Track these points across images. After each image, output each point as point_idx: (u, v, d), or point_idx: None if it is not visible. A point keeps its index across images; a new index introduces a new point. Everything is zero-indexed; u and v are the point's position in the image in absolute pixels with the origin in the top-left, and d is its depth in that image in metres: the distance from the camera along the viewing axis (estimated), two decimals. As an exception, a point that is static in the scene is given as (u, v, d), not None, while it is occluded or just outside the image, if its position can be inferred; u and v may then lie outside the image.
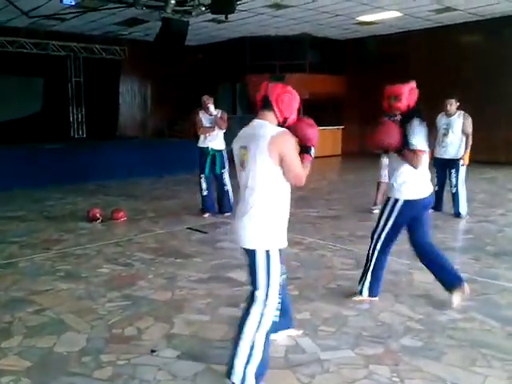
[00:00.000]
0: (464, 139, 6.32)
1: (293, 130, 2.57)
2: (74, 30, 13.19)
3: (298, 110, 2.61)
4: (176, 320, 3.37)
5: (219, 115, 6.38)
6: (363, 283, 3.66)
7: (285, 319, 2.96)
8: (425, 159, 3.39)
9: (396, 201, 3.43)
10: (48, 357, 2.89)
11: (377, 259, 3.59)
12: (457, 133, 6.30)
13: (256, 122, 2.52)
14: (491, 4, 10.77)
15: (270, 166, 2.41)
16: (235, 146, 2.57)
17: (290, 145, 2.41)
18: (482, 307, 3.50)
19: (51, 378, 2.65)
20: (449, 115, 6.32)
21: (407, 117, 3.37)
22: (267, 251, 2.47)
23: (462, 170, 6.38)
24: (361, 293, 3.68)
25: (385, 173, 6.72)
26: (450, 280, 3.54)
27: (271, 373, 2.68)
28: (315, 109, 13.52)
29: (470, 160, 6.48)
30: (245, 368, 2.42)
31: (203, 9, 9.62)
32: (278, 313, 2.65)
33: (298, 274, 4.24)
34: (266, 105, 2.49)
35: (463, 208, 6.42)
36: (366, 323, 3.32)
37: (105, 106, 14.03)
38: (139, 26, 12.80)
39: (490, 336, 3.12)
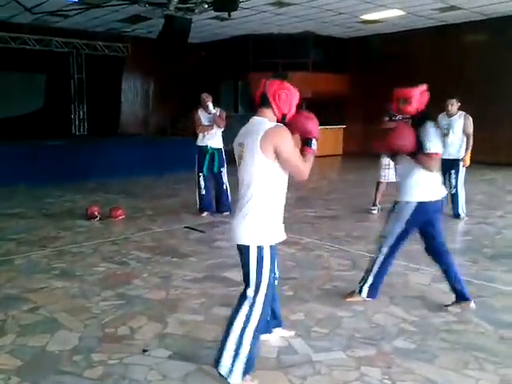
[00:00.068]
0: (465, 140, 6.29)
1: (292, 124, 2.57)
2: (77, 27, 13.21)
3: (300, 107, 2.61)
4: (169, 319, 3.36)
5: (218, 113, 6.36)
6: (364, 283, 3.64)
7: (276, 320, 2.97)
8: (438, 162, 3.37)
9: (407, 203, 3.38)
10: (40, 355, 2.89)
11: (382, 263, 3.56)
12: (457, 133, 6.26)
13: (254, 119, 2.53)
14: (495, 3, 10.72)
15: (264, 162, 2.41)
16: (235, 143, 2.58)
17: (285, 138, 2.40)
18: (477, 310, 3.48)
19: (41, 376, 2.65)
20: (450, 115, 6.28)
21: (420, 120, 3.33)
22: (259, 247, 2.48)
23: (462, 171, 6.35)
24: (360, 292, 3.65)
25: (384, 173, 6.72)
26: (461, 294, 3.52)
27: (263, 373, 2.69)
28: (317, 108, 13.44)
29: (471, 161, 6.45)
30: (233, 361, 2.48)
31: (206, 6, 9.61)
32: (268, 311, 2.65)
33: (293, 275, 4.22)
34: (264, 102, 2.50)
35: (462, 209, 6.39)
36: (359, 325, 3.30)
37: (107, 103, 14.04)
38: (142, 23, 12.81)
39: (483, 339, 3.10)
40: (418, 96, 3.33)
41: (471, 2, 10.65)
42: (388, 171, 6.68)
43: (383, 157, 6.63)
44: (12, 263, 4.60)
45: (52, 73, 13.44)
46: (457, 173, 6.32)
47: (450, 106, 6.22)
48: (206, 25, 12.78)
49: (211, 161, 6.48)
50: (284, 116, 2.52)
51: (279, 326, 3.08)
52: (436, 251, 3.52)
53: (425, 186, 3.36)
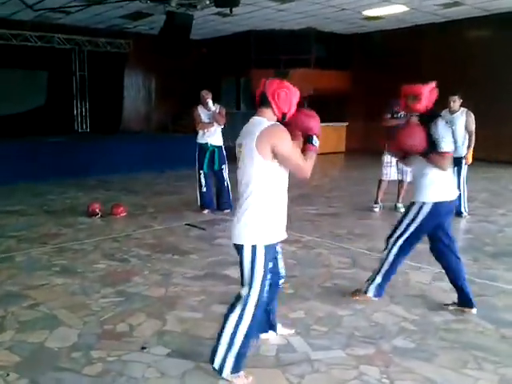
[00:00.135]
0: (467, 137, 6.25)
1: (293, 122, 2.55)
2: (78, 24, 13.18)
3: (301, 105, 2.58)
4: (168, 317, 3.36)
5: (217, 110, 6.33)
6: (371, 283, 3.60)
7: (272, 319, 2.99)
8: (451, 160, 3.32)
9: (423, 204, 3.31)
10: (38, 352, 2.89)
11: (392, 263, 3.50)
12: (460, 130, 6.22)
13: (254, 118, 2.52)
14: (498, -1, 10.65)
15: (261, 162, 2.40)
16: (236, 143, 2.57)
17: (282, 137, 2.38)
18: (478, 309, 3.45)
19: (40, 373, 2.65)
20: (452, 112, 6.24)
21: (429, 118, 3.27)
22: (253, 246, 2.47)
23: (464, 168, 6.30)
24: (366, 292, 3.62)
25: (386, 171, 6.70)
26: (465, 299, 3.48)
27: (261, 371, 2.69)
28: (319, 105, 13.43)
29: (473, 158, 6.42)
30: (224, 358, 2.51)
31: (208, 2, 9.58)
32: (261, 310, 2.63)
33: (294, 273, 4.21)
34: (264, 101, 2.49)
35: (464, 207, 6.36)
36: (359, 323, 3.29)
37: (109, 99, 14.02)
38: (144, 19, 12.77)
39: (483, 338, 3.09)
40: (428, 93, 3.27)
41: (474, -3, 10.60)
42: (390, 169, 6.67)
43: (385, 154, 6.61)
44: (13, 260, 4.61)
45: (54, 70, 13.44)
46: (459, 171, 6.27)
47: (452, 103, 6.17)
48: (207, 21, 12.74)
49: (211, 158, 6.46)
50: (284, 115, 2.51)
51: (273, 328, 3.06)
52: (440, 252, 3.47)
53: (440, 186, 3.30)
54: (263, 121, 2.45)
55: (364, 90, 14.71)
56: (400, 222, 3.46)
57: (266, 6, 11.58)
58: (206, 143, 6.44)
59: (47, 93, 13.44)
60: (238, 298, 2.55)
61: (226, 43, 15.37)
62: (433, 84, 3.33)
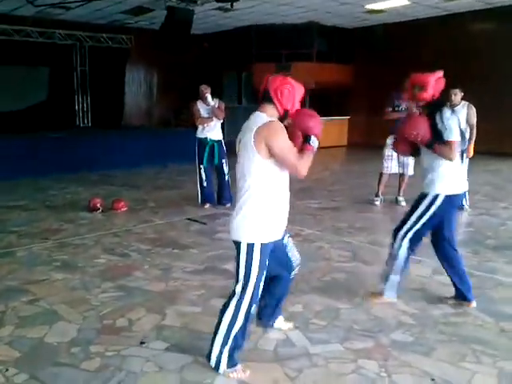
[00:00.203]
0: (468, 130, 6.22)
1: (294, 122, 2.54)
2: (80, 19, 13.18)
3: (303, 101, 2.57)
4: (168, 311, 3.37)
5: (217, 105, 6.32)
6: (387, 283, 3.47)
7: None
8: (458, 149, 3.24)
9: (436, 196, 3.25)
10: (38, 347, 2.90)
11: (406, 258, 3.40)
12: (461, 124, 6.17)
13: (254, 114, 2.50)
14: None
15: (257, 158, 2.38)
16: (237, 139, 2.56)
17: (276, 133, 2.36)
18: (477, 302, 3.44)
19: (39, 368, 2.67)
20: (453, 105, 6.20)
21: (435, 107, 3.22)
22: (250, 244, 2.46)
23: (466, 162, 6.27)
24: (384, 294, 3.49)
25: (387, 164, 6.68)
26: (461, 293, 3.45)
27: (259, 366, 2.69)
28: (321, 99, 13.44)
29: (475, 151, 6.39)
30: (220, 354, 2.54)
31: (208, -3, 9.56)
32: (254, 306, 2.63)
33: (293, 266, 4.21)
34: (266, 97, 2.47)
35: (465, 200, 6.34)
36: (358, 317, 3.29)
37: (110, 94, 13.99)
38: (145, 14, 12.75)
39: (482, 331, 3.08)
40: (434, 83, 3.21)
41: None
42: (391, 162, 6.65)
43: (386, 147, 6.59)
44: (14, 255, 4.63)
45: (55, 65, 13.44)
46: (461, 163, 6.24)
47: (453, 96, 6.13)
48: (208, 16, 12.70)
49: (211, 153, 6.45)
50: (286, 112, 2.48)
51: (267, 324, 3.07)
52: (440, 247, 3.45)
53: (453, 179, 3.26)
54: (263, 116, 2.43)
55: (366, 84, 14.66)
56: (409, 215, 3.38)
57: (266, 1, 11.53)
58: (206, 138, 6.43)
59: (49, 88, 13.44)
60: (232, 295, 2.55)
61: (228, 38, 15.32)
62: (440, 73, 3.27)
